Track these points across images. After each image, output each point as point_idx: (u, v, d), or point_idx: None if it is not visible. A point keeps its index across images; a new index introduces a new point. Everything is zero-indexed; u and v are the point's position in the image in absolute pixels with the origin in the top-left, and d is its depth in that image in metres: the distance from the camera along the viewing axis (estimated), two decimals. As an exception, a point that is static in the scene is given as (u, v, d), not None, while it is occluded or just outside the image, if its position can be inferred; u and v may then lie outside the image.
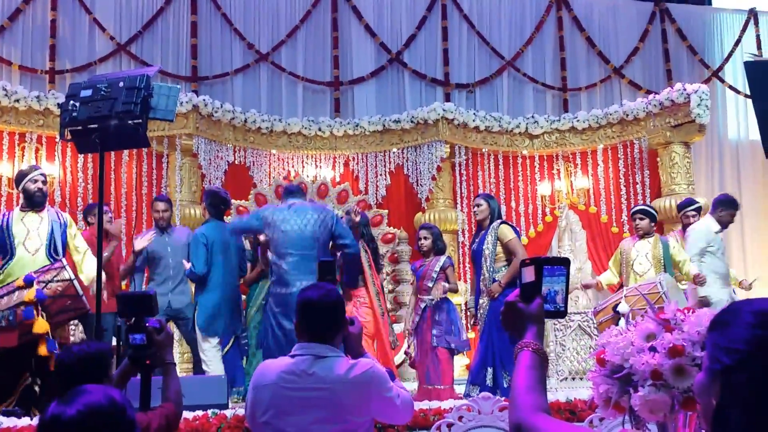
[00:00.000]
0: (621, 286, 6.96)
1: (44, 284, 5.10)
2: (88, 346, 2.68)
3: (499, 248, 6.11)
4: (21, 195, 5.78)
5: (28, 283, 5.07)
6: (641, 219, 6.99)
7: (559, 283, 1.66)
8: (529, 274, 1.67)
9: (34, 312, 4.96)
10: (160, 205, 6.46)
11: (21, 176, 5.83)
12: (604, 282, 7.17)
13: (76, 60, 9.34)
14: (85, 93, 4.25)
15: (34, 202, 5.71)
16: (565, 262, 1.67)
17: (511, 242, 6.07)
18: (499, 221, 6.18)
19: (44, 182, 5.78)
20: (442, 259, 6.40)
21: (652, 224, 6.98)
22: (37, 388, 5.02)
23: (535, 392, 1.52)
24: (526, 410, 1.48)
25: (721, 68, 11.34)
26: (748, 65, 4.18)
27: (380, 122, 9.27)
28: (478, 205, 6.35)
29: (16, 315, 4.94)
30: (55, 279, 5.16)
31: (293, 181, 9.09)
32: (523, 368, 1.56)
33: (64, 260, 5.43)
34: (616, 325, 2.53)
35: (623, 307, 5.72)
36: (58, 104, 7.62)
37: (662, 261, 6.84)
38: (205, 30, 9.92)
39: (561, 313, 1.69)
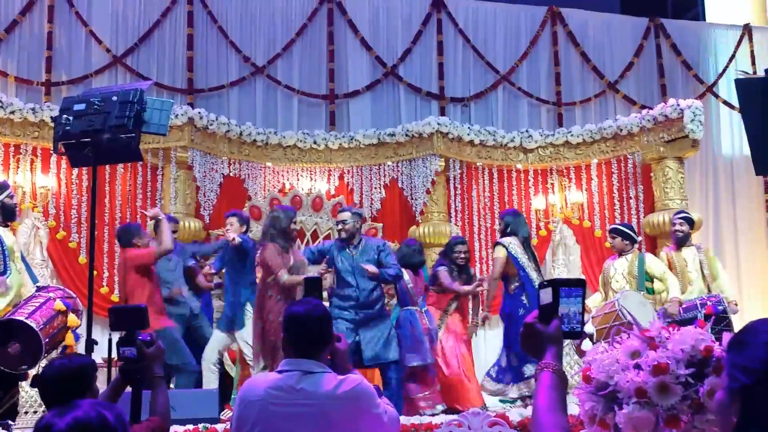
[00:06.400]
0: None
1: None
2: (70, 361, 2.68)
3: (509, 266, 6.59)
4: None
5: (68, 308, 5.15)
6: (612, 238, 7.21)
7: (576, 304, 1.70)
8: (546, 296, 1.69)
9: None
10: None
11: None
12: (591, 305, 6.85)
13: (72, 72, 9.34)
14: (79, 107, 4.27)
15: (14, 217, 5.62)
16: (580, 283, 1.70)
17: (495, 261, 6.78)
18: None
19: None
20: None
21: (626, 242, 7.05)
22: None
23: (557, 413, 1.55)
24: (549, 430, 1.50)
25: (715, 83, 11.37)
26: (738, 83, 4.21)
27: (375, 135, 9.28)
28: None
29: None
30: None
31: (287, 194, 9.10)
32: (544, 388, 1.60)
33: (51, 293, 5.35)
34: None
35: (589, 328, 5.80)
36: (52, 117, 7.61)
37: (636, 277, 6.86)
38: (201, 43, 9.93)
39: (577, 334, 1.71)
